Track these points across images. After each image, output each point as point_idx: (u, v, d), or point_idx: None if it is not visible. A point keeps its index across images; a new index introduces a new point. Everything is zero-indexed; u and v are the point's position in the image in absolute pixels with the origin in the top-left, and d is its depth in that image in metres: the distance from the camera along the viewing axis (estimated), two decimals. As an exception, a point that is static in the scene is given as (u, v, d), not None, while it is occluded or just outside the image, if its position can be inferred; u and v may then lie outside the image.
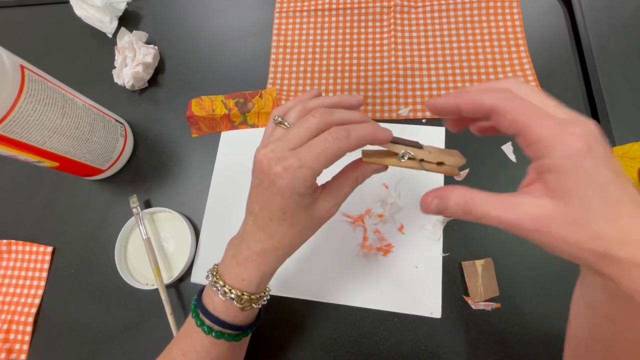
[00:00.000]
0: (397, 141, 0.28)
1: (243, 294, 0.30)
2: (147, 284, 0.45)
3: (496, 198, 0.22)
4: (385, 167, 0.30)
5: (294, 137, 0.26)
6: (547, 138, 0.20)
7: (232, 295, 0.30)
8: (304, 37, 0.55)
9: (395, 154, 0.28)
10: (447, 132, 0.47)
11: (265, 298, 0.32)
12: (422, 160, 0.28)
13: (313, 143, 0.26)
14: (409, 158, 0.28)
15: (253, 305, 0.31)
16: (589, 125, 0.20)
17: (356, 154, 0.30)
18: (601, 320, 0.24)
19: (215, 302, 0.30)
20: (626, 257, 0.18)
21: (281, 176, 0.25)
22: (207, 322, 0.30)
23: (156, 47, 0.55)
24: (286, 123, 0.28)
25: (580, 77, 0.49)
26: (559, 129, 0.20)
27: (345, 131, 0.26)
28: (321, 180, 0.29)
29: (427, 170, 0.28)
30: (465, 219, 0.23)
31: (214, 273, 0.31)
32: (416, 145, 0.28)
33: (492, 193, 0.22)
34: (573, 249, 0.20)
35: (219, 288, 0.30)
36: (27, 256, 0.49)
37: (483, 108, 0.22)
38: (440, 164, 0.28)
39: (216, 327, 0.30)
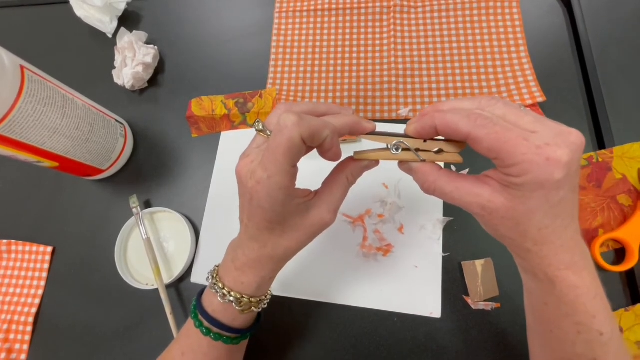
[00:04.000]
0: (385, 134, 0.27)
1: (242, 297, 0.30)
2: (147, 284, 0.45)
3: (457, 183, 0.25)
4: (377, 162, 0.29)
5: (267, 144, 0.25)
6: (522, 163, 0.21)
7: (231, 298, 0.29)
8: (303, 37, 0.55)
9: (387, 149, 0.27)
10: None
11: (265, 302, 0.32)
12: (417, 150, 0.26)
13: (271, 143, 0.24)
14: (403, 149, 0.26)
15: (253, 308, 0.31)
16: (573, 140, 0.21)
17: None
18: (529, 297, 0.29)
19: (214, 304, 0.30)
20: (535, 251, 0.24)
21: (256, 190, 0.25)
22: (206, 323, 0.30)
23: (156, 47, 0.55)
24: (268, 132, 0.27)
25: (580, 77, 0.49)
26: (536, 154, 0.21)
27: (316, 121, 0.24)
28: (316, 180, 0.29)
29: (425, 160, 0.26)
30: (425, 192, 0.26)
31: (214, 275, 0.31)
32: (406, 136, 0.27)
33: (457, 177, 0.25)
34: (500, 234, 0.25)
35: (218, 290, 0.30)
36: (27, 256, 0.49)
37: (459, 134, 0.23)
38: (439, 152, 0.26)
39: (214, 329, 0.30)
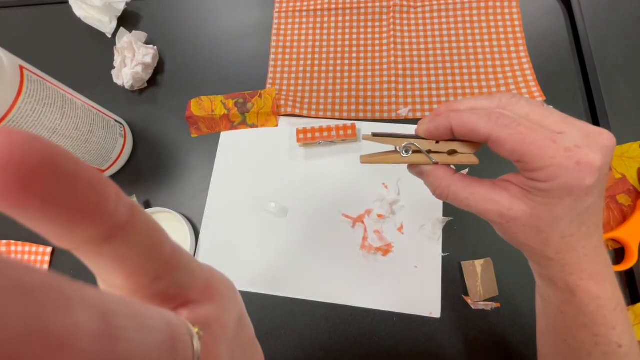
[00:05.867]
0: (394, 135, 0.24)
1: None
2: (146, 285, 0.45)
3: (473, 188, 0.23)
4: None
5: None
6: (551, 167, 0.19)
7: None
8: (303, 37, 0.55)
9: (395, 151, 0.24)
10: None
11: None
12: (429, 151, 0.24)
13: None
14: (413, 152, 0.24)
15: None
16: (606, 142, 0.20)
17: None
18: (544, 303, 0.27)
19: None
20: (556, 259, 0.22)
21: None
22: None
23: (155, 47, 0.55)
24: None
25: (580, 77, 0.49)
26: (564, 158, 0.19)
27: None
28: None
29: (439, 163, 0.24)
30: (438, 198, 0.25)
31: None
32: (416, 137, 0.24)
33: (471, 181, 0.23)
34: (519, 242, 0.23)
35: None
36: (26, 257, 0.49)
37: (478, 135, 0.21)
38: (452, 152, 0.24)
39: None
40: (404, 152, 0.24)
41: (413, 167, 0.25)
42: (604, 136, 0.20)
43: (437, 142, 0.24)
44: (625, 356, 0.24)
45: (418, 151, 0.24)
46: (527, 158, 0.20)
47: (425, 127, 0.24)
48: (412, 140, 0.24)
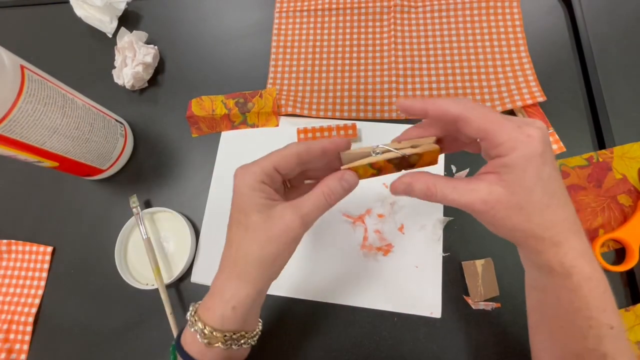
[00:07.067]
0: (360, 154, 0.29)
1: (213, 332, 0.27)
2: (147, 284, 0.45)
3: (455, 183, 0.26)
4: (356, 182, 0.28)
5: None
6: (509, 140, 0.24)
7: (201, 333, 0.28)
8: (304, 37, 0.55)
9: (369, 154, 0.28)
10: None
11: (239, 340, 0.28)
12: (396, 149, 0.28)
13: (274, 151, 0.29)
14: (383, 152, 0.28)
15: (219, 344, 0.28)
16: (540, 126, 0.24)
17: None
18: (539, 295, 0.29)
19: (188, 337, 0.29)
20: (548, 238, 0.25)
21: (236, 175, 0.29)
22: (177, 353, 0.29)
23: (156, 47, 0.55)
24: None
25: (580, 77, 0.49)
26: (518, 132, 0.24)
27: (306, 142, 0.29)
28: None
29: (406, 155, 0.27)
30: (429, 200, 0.27)
31: (194, 311, 0.29)
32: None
33: (452, 179, 0.27)
34: (509, 228, 0.25)
35: (193, 324, 0.28)
36: (27, 256, 0.49)
37: (449, 115, 0.26)
38: (414, 147, 0.28)
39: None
40: (373, 154, 0.28)
41: (399, 187, 0.28)
42: (537, 122, 0.25)
43: (400, 142, 0.28)
44: (616, 337, 0.25)
45: (388, 150, 0.28)
46: (490, 135, 0.24)
47: (402, 102, 0.28)
48: (380, 144, 0.28)
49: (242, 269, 0.28)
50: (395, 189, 0.28)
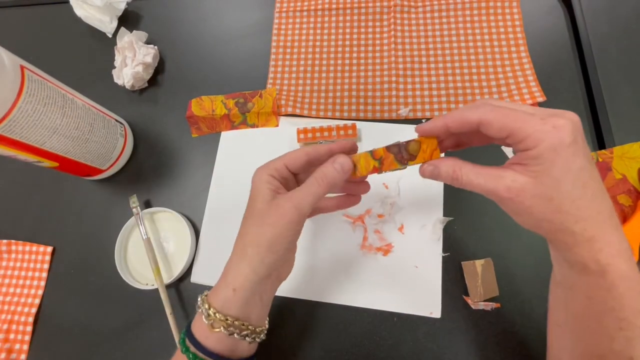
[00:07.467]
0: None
1: (216, 313, 0.28)
2: (147, 284, 0.45)
3: (480, 169, 0.26)
4: (350, 166, 0.29)
5: None
6: (535, 133, 0.23)
7: (206, 311, 0.28)
8: (304, 37, 0.55)
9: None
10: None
11: (241, 331, 0.29)
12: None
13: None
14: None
15: (235, 334, 0.29)
16: (570, 116, 0.24)
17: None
18: (565, 293, 0.28)
19: (196, 322, 0.30)
20: (579, 231, 0.24)
21: (255, 172, 0.31)
22: (192, 349, 0.29)
23: (156, 47, 0.55)
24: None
25: (580, 77, 0.49)
26: (542, 124, 0.23)
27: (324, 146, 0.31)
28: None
29: (402, 142, 0.29)
30: (454, 185, 0.27)
31: (203, 296, 0.30)
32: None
33: (478, 165, 0.27)
34: (536, 219, 0.25)
35: (200, 305, 0.29)
36: (27, 256, 0.49)
37: (470, 123, 0.26)
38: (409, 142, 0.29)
39: (192, 348, 0.29)
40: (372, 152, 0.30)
41: (426, 170, 0.29)
42: (567, 112, 0.24)
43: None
44: None
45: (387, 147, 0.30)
46: (514, 131, 0.24)
47: (422, 127, 0.29)
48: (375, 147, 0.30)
49: (243, 252, 0.29)
50: (423, 172, 0.29)
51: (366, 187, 0.35)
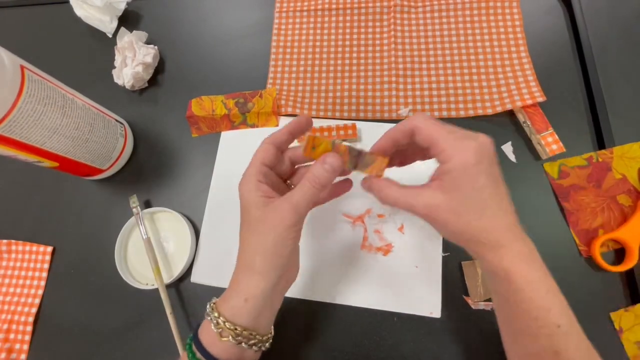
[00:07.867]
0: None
1: (225, 322, 0.28)
2: (147, 284, 0.45)
3: (405, 189, 0.29)
4: (339, 164, 0.30)
5: None
6: (449, 149, 0.27)
7: (215, 321, 0.29)
8: (304, 37, 0.55)
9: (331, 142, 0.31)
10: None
11: (249, 340, 0.29)
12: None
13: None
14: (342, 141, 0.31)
15: (243, 344, 0.29)
16: (481, 139, 0.27)
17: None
18: (497, 299, 0.31)
19: (204, 328, 0.30)
20: (485, 241, 0.27)
21: (239, 185, 0.31)
22: (198, 355, 0.29)
23: (156, 47, 0.55)
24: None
25: (580, 77, 0.49)
26: (457, 143, 0.27)
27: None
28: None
29: (363, 151, 0.31)
30: (382, 202, 0.31)
31: (212, 304, 0.31)
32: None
33: (405, 186, 0.30)
34: (452, 231, 0.28)
35: (209, 313, 0.30)
36: (27, 256, 0.49)
37: (408, 129, 0.29)
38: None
39: (198, 354, 0.29)
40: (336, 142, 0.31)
41: (364, 184, 0.32)
42: (480, 135, 0.27)
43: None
44: (566, 335, 0.27)
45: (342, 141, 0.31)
46: (434, 143, 0.27)
47: (378, 147, 0.31)
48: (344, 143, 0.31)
49: (250, 260, 0.30)
50: (362, 184, 0.32)
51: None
